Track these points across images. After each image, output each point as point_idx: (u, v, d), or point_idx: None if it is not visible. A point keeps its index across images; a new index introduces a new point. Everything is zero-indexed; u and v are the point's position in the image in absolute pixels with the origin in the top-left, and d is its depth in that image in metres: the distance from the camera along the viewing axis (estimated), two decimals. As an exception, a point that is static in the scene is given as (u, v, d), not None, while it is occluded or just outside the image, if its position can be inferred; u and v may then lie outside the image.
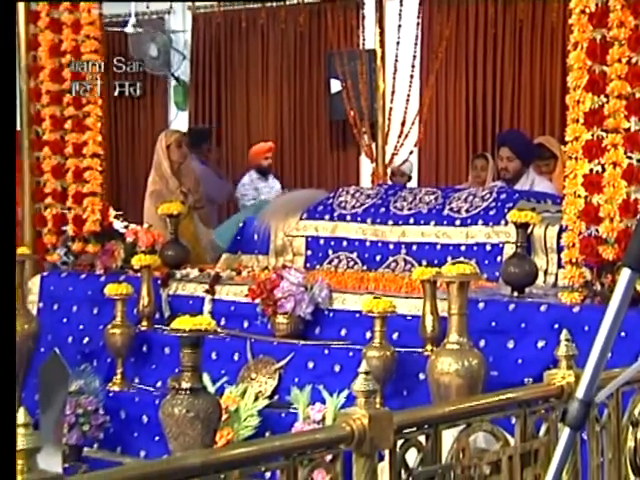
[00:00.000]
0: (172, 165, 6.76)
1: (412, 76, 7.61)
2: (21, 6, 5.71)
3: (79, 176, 5.67)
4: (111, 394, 4.97)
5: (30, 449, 2.06)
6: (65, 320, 5.53)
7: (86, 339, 5.39)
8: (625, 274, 1.93)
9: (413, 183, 8.61)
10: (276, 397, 4.63)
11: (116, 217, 5.95)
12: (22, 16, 5.71)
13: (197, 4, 7.09)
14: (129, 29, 10.23)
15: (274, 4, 7.40)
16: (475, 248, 5.07)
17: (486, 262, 4.95)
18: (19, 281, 5.12)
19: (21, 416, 2.11)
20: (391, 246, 5.34)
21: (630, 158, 4.18)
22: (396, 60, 7.38)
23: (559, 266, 4.68)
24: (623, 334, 3.60)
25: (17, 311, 5.09)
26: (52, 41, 5.66)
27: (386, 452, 2.71)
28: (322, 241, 5.59)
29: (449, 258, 4.90)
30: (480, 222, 5.13)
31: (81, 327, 5.45)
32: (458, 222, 5.19)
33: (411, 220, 5.33)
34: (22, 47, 5.72)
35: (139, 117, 11.56)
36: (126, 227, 5.87)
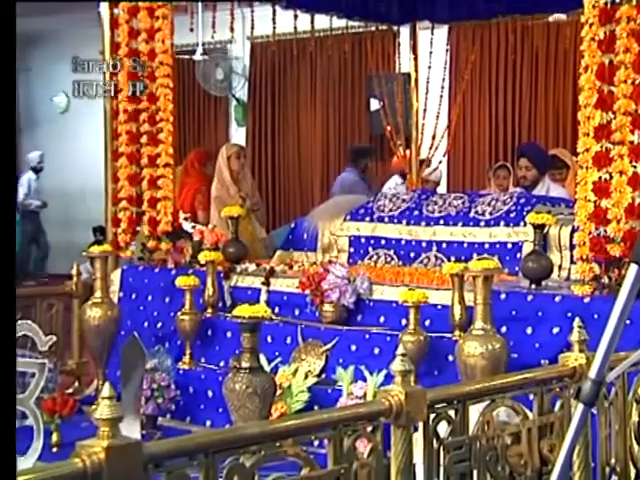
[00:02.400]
0: (232, 174, 6.77)
1: (441, 96, 7.57)
2: (107, 37, 5.75)
3: (153, 183, 5.70)
4: (181, 372, 5.00)
5: (114, 418, 2.07)
6: (141, 308, 5.56)
7: (159, 324, 5.41)
8: (632, 269, 1.91)
9: (442, 189, 8.58)
10: (323, 376, 4.62)
11: (185, 219, 5.97)
12: (107, 46, 5.76)
13: (255, 34, 7.11)
14: (197, 57, 10.29)
15: (322, 34, 7.39)
16: (498, 246, 5.04)
17: (507, 258, 4.91)
18: (102, 274, 5.16)
19: (106, 390, 2.13)
20: (424, 244, 5.32)
21: (635, 167, 4.14)
22: (428, 82, 7.35)
23: (571, 262, 4.64)
24: (629, 322, 3.56)
25: (101, 300, 5.14)
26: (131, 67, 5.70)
27: (420, 424, 2.70)
28: (363, 240, 5.58)
29: (475, 255, 4.87)
30: (502, 223, 5.10)
31: (155, 314, 5.48)
32: (483, 223, 5.16)
33: (441, 221, 5.31)
34: (106, 72, 5.77)
35: (204, 132, 11.61)
36: (193, 227, 5.89)
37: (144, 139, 5.70)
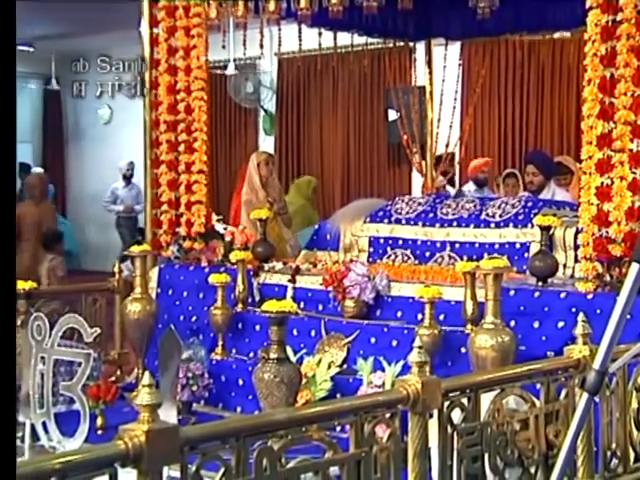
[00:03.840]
0: (261, 179, 6.78)
1: (454, 107, 7.53)
2: (147, 54, 5.77)
3: (189, 188, 5.72)
4: (214, 362, 4.99)
5: (153, 404, 2.08)
6: (177, 303, 5.57)
7: (194, 318, 5.42)
8: (634, 268, 1.90)
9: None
10: (345, 366, 4.60)
11: (217, 221, 5.97)
12: (147, 62, 5.77)
13: (282, 50, 7.12)
14: (229, 71, 10.32)
15: (343, 50, 7.40)
16: (507, 246, 5.01)
17: (516, 258, 4.87)
18: (142, 272, 5.16)
19: (146, 378, 2.14)
20: (438, 244, 5.30)
21: (634, 173, 4.11)
22: (441, 94, 7.33)
23: (576, 261, 4.61)
24: (629, 317, 3.53)
25: (141, 295, 5.15)
26: (169, 82, 5.70)
27: (435, 411, 2.70)
28: (382, 240, 5.56)
29: (485, 254, 4.83)
30: (511, 225, 5.07)
31: (190, 308, 5.48)
32: (493, 225, 5.14)
33: (454, 223, 5.28)
34: (146, 87, 5.79)
35: (235, 140, 11.64)
36: (225, 229, 5.89)
37: (181, 147, 5.72)
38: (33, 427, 3.84)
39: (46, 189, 9.21)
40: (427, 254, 5.32)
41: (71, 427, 3.60)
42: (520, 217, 5.08)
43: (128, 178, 11.96)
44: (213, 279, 5.13)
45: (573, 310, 3.99)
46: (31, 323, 3.91)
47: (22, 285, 4.68)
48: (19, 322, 4.56)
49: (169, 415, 3.09)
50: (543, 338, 4.15)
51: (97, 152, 13.05)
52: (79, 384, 3.62)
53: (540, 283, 4.46)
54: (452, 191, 8.00)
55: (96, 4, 9.10)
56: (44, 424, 3.77)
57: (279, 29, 5.83)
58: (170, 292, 5.63)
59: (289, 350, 4.27)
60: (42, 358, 3.86)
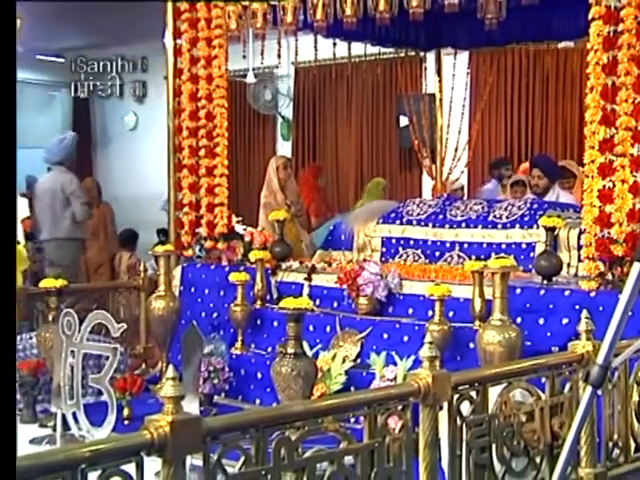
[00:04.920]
0: (279, 182, 6.79)
1: (463, 113, 7.53)
2: (170, 64, 5.77)
3: (211, 191, 5.71)
4: (234, 356, 5.01)
5: (177, 396, 2.09)
6: (199, 300, 5.58)
7: (215, 314, 5.42)
8: (635, 267, 1.90)
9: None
10: (359, 360, 4.60)
11: (237, 222, 5.99)
12: (170, 72, 5.78)
13: (299, 60, 7.14)
14: (248, 80, 10.34)
15: (357, 59, 7.40)
16: (513, 246, 5.00)
17: (522, 257, 4.86)
18: (165, 270, 5.16)
19: (170, 372, 2.15)
20: (447, 245, 5.29)
21: (635, 177, 4.09)
22: (451, 101, 7.32)
23: (579, 260, 4.59)
24: (631, 313, 3.52)
25: (164, 293, 5.15)
26: (191, 90, 5.71)
27: (445, 404, 2.70)
28: (394, 240, 5.56)
29: (493, 254, 4.82)
30: (517, 226, 5.06)
31: (211, 305, 5.49)
32: (500, 226, 5.13)
33: (463, 224, 5.28)
34: (170, 94, 5.79)
35: (254, 146, 11.65)
36: (245, 229, 5.90)
37: (202, 152, 5.73)
38: (64, 417, 3.86)
39: (100, 191, 9.48)
40: (437, 254, 5.31)
41: (99, 417, 3.62)
42: (526, 218, 5.06)
43: None
44: (233, 277, 5.14)
45: (577, 307, 3.98)
46: (62, 319, 3.93)
47: (53, 283, 4.70)
48: (50, 318, 4.60)
49: (192, 407, 3.10)
50: (548, 334, 4.14)
51: (123, 157, 13.09)
52: (107, 377, 3.64)
53: (545, 282, 4.45)
54: (501, 194, 7.90)
55: (123, 17, 9.13)
56: (74, 414, 3.80)
57: (296, 39, 5.85)
58: (192, 290, 5.64)
59: (305, 345, 4.27)
60: (72, 352, 3.88)
